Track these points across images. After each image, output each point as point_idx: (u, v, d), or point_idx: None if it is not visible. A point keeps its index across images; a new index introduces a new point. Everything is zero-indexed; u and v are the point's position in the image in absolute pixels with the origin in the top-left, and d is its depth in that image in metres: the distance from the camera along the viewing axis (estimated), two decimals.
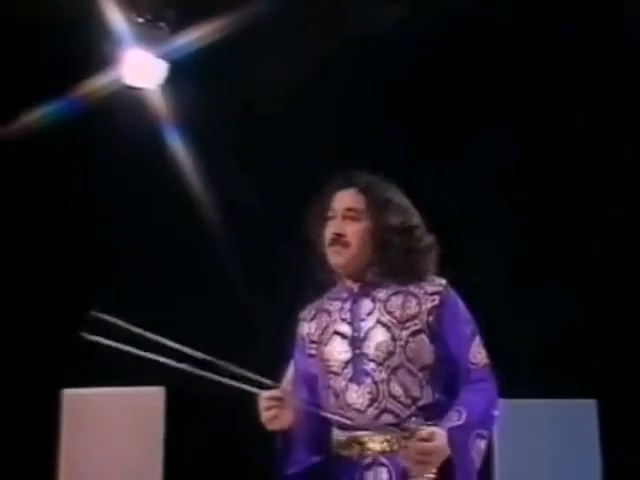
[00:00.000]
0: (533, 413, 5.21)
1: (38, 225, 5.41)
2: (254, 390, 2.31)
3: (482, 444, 2.22)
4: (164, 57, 5.04)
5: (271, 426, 2.33)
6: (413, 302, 2.37)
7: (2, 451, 5.20)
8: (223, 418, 5.01)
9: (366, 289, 2.43)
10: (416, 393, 2.30)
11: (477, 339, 2.36)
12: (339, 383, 2.37)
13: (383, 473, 2.27)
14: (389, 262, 2.41)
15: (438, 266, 2.48)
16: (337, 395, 2.38)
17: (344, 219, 2.45)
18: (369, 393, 2.32)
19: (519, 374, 4.95)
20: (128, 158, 5.16)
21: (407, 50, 4.95)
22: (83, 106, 5.07)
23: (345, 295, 2.46)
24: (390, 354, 2.32)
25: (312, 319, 2.53)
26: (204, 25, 4.84)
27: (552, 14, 4.79)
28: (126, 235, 5.31)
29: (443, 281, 2.41)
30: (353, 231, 2.43)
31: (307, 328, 2.53)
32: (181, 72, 5.10)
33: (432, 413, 2.28)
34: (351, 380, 2.35)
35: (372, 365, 2.32)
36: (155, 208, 5.31)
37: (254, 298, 5.25)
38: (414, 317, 2.35)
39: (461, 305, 2.40)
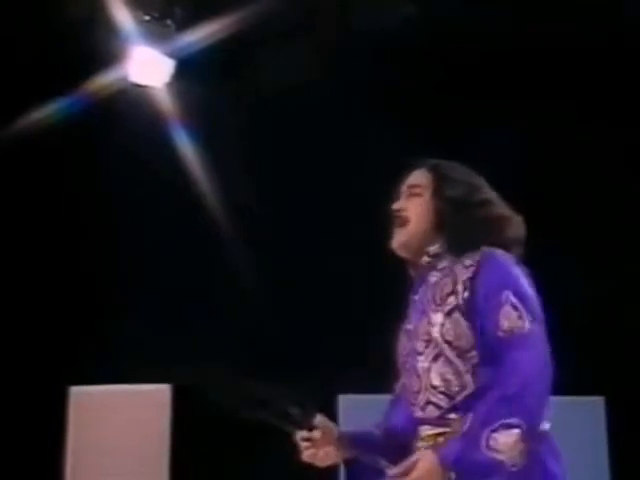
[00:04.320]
0: None
1: (45, 224, 5.42)
2: (291, 429, 2.30)
3: (503, 436, 1.99)
4: (171, 55, 5.04)
5: (314, 463, 2.32)
6: (449, 279, 2.22)
7: (10, 447, 5.21)
8: (229, 415, 5.01)
9: (423, 276, 2.34)
10: (455, 386, 2.17)
11: (509, 305, 2.10)
12: (403, 378, 2.36)
13: None
14: (447, 237, 2.29)
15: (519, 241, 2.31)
16: (405, 389, 2.36)
17: (408, 197, 2.38)
18: (416, 386, 2.26)
19: None
20: (134, 155, 5.16)
21: (413, 47, 4.95)
22: (90, 103, 5.08)
23: (413, 288, 2.40)
24: (428, 342, 2.22)
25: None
26: (210, 23, 4.85)
27: (559, 16, 4.80)
28: (132, 231, 5.32)
29: (486, 249, 2.21)
30: (413, 205, 2.35)
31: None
32: (187, 70, 5.11)
33: (477, 402, 2.10)
34: (407, 374, 2.31)
35: (418, 357, 2.25)
36: (161, 204, 5.32)
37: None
38: (449, 295, 2.20)
39: (501, 269, 2.17)
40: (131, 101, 5.17)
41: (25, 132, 5.08)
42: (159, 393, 5.30)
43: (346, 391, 5.10)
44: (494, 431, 1.99)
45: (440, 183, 2.35)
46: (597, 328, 5.15)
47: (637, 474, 4.91)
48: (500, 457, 1.99)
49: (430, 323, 2.22)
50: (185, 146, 5.37)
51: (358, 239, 5.08)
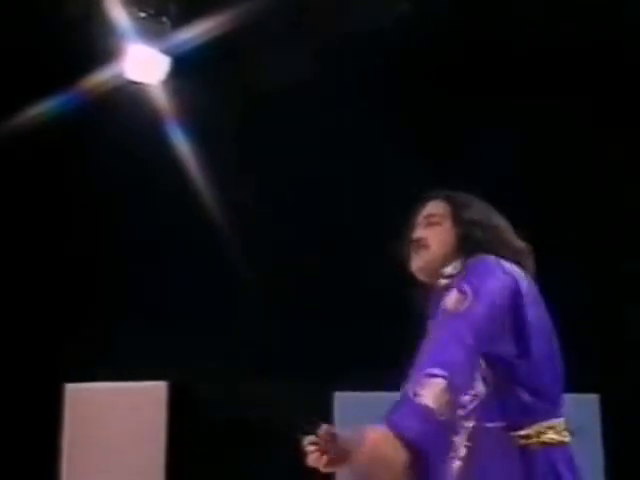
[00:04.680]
0: None
1: (39, 220, 5.42)
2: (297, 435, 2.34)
3: (428, 383, 1.97)
4: (166, 52, 5.04)
5: (317, 467, 2.35)
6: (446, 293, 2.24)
7: (5, 444, 5.21)
8: (224, 412, 5.02)
9: (438, 299, 2.30)
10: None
11: (457, 290, 2.13)
12: None
13: None
14: (467, 253, 2.30)
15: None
16: None
17: (426, 226, 2.43)
18: None
19: None
20: (130, 152, 5.17)
21: (408, 46, 4.95)
22: (85, 101, 5.08)
23: (430, 312, 2.38)
24: None
25: None
26: (206, 20, 4.84)
27: (559, 16, 4.80)
28: (129, 229, 5.33)
29: (482, 255, 2.24)
30: (433, 233, 2.40)
31: None
32: (183, 67, 5.10)
33: (491, 413, 2.13)
34: None
35: None
36: (158, 202, 5.32)
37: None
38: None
39: (476, 266, 2.20)
40: (127, 98, 5.17)
41: (21, 129, 5.08)
42: (155, 390, 5.30)
43: (342, 388, 5.11)
44: (419, 379, 1.98)
45: (458, 211, 2.40)
46: (593, 326, 5.16)
47: (632, 472, 4.93)
48: (428, 403, 1.96)
49: None
50: (181, 143, 5.37)
51: (356, 239, 5.10)
